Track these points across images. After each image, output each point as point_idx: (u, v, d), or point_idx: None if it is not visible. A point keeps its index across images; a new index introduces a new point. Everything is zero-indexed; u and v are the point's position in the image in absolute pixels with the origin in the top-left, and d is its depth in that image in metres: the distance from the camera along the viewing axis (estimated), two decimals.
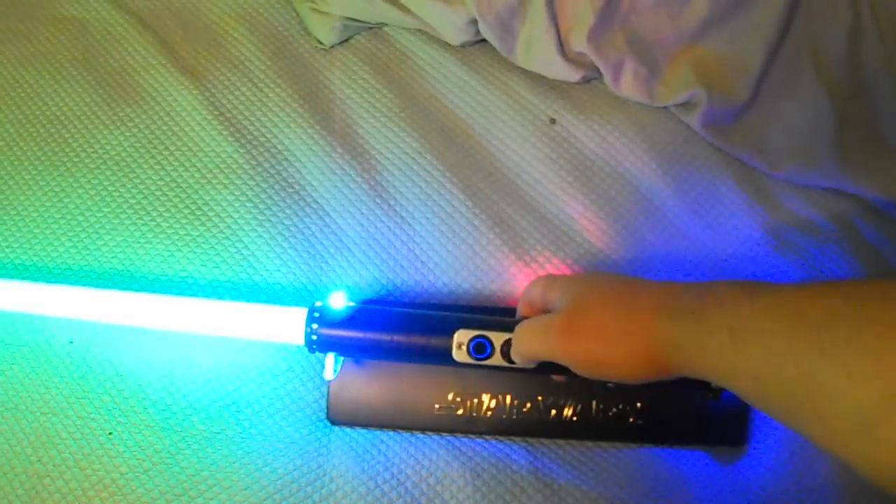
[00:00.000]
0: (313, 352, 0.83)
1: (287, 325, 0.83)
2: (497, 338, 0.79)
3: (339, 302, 0.84)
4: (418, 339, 0.81)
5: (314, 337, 0.81)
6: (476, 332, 0.79)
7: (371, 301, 0.94)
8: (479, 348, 0.79)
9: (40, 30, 1.10)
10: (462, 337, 0.79)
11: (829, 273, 0.92)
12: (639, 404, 0.89)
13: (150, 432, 0.88)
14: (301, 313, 0.82)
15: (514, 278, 0.93)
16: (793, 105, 0.96)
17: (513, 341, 0.74)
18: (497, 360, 0.79)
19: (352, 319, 0.83)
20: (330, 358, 0.85)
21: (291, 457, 0.87)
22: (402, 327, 0.82)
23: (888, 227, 0.95)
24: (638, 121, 0.98)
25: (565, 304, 0.68)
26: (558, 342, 0.67)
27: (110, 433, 0.88)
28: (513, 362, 0.79)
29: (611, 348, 0.64)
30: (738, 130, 0.96)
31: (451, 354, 0.80)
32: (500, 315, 0.79)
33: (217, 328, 0.87)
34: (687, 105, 0.96)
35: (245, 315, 0.86)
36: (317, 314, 0.82)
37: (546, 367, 0.78)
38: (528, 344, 0.71)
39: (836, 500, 0.87)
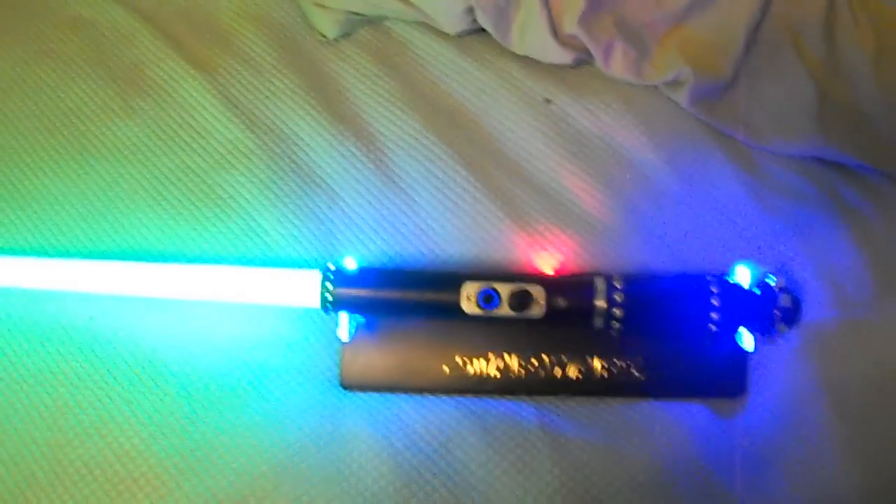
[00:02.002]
0: (328, 312, 0.86)
1: (302, 288, 0.87)
2: (504, 289, 0.83)
3: (350, 264, 0.88)
4: (428, 295, 0.85)
5: (329, 297, 0.85)
6: (484, 284, 0.84)
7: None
8: (488, 299, 0.83)
9: (51, 30, 1.14)
10: (470, 289, 0.83)
11: (818, 232, 0.97)
12: (640, 359, 0.92)
13: (169, 400, 0.91)
14: (315, 275, 0.86)
15: (517, 247, 0.96)
16: (774, 82, 1.01)
17: None
18: (505, 310, 0.83)
19: (364, 279, 0.87)
20: (344, 317, 0.88)
21: (307, 419, 0.90)
22: (412, 284, 0.86)
23: (867, 189, 1.00)
24: (629, 99, 1.03)
25: None
26: None
27: (130, 402, 0.91)
28: (520, 312, 0.83)
29: None
30: (724, 106, 1.01)
31: (460, 307, 0.84)
32: None
33: (234, 294, 0.90)
34: (674, 83, 1.01)
35: (261, 280, 0.90)
36: (331, 275, 0.86)
37: (553, 317, 0.83)
38: None
39: (833, 448, 0.90)
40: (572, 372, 0.92)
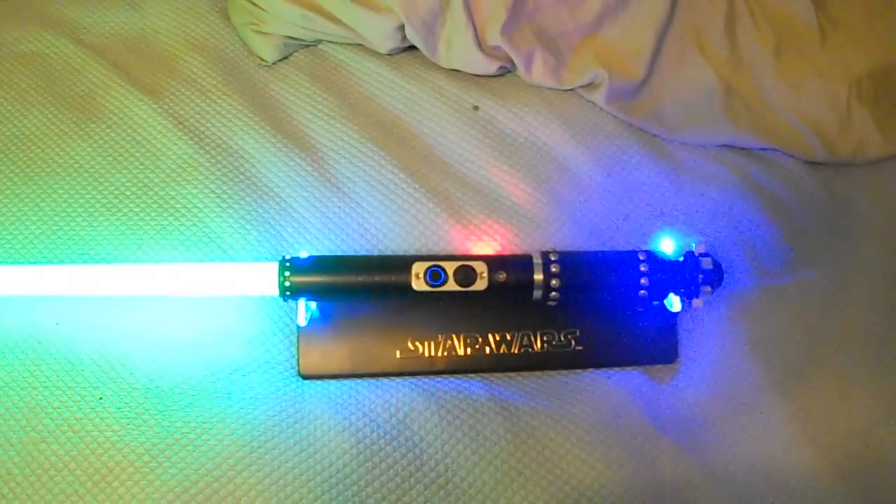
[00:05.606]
0: (287, 300, 0.92)
1: (261, 278, 0.93)
2: (450, 266, 0.90)
3: (304, 255, 0.94)
4: (380, 277, 0.92)
5: (287, 284, 0.91)
6: (431, 263, 0.91)
7: None
8: (435, 276, 0.90)
9: (2, 65, 1.18)
10: (418, 268, 0.90)
11: (734, 210, 1.07)
12: (578, 333, 1.00)
13: (138, 394, 0.95)
14: (273, 266, 0.92)
15: (455, 240, 1.04)
16: (683, 80, 1.12)
17: None
18: (451, 285, 0.90)
19: (319, 266, 0.93)
20: (301, 304, 0.94)
21: (270, 407, 0.95)
22: (364, 268, 0.93)
23: (775, 169, 1.12)
24: (550, 102, 1.13)
25: None
26: None
27: (101, 398, 0.95)
28: (466, 287, 0.90)
29: None
30: (638, 104, 1.12)
31: (410, 285, 0.90)
32: None
33: (198, 289, 0.95)
34: (591, 86, 1.11)
35: (223, 274, 0.95)
36: (288, 264, 0.92)
37: (495, 290, 0.90)
38: None
39: (762, 400, 0.99)
40: (516, 348, 0.99)
